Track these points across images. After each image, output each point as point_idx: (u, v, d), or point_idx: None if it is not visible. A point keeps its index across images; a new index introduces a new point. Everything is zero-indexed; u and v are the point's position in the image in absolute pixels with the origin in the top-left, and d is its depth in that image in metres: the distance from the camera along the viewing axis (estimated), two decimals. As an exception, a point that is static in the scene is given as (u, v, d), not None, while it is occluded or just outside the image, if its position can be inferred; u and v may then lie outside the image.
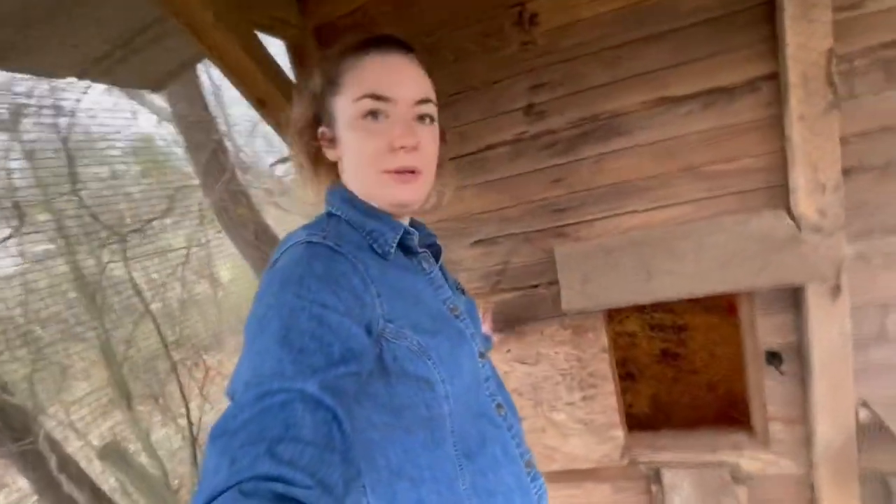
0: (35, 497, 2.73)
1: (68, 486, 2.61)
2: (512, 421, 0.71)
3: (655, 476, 1.52)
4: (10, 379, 2.79)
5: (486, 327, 1.09)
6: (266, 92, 1.19)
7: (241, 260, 3.77)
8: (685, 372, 2.54)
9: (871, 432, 1.31)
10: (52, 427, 2.93)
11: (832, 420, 1.32)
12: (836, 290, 1.22)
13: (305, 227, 0.62)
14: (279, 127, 1.30)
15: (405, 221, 0.70)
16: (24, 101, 2.97)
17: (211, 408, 3.45)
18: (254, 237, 3.08)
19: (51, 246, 2.99)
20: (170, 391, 3.22)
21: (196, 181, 3.34)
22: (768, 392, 1.38)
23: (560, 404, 1.52)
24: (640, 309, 2.48)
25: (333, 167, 0.70)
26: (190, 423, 3.01)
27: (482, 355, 0.71)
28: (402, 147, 0.60)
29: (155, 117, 3.82)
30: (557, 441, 1.55)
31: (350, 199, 0.65)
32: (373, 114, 0.60)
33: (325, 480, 0.40)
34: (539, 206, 1.42)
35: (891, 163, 1.15)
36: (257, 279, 3.18)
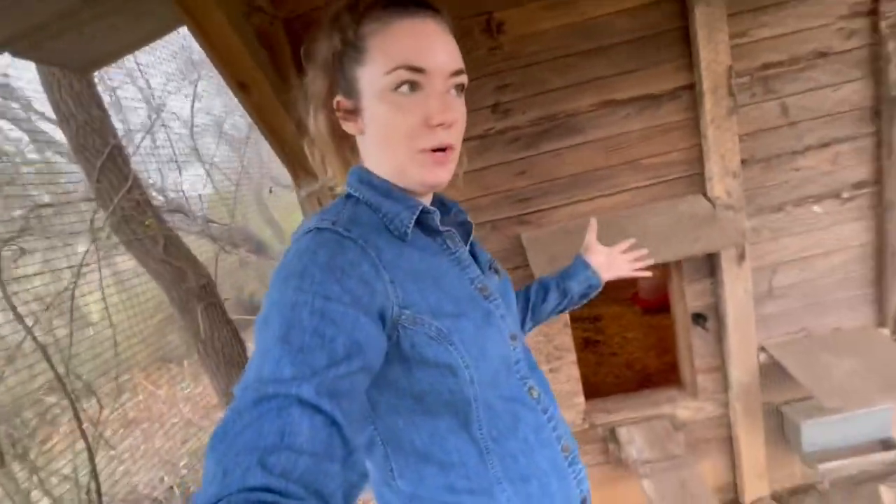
0: None
1: None
2: (547, 404, 0.68)
3: (611, 435, 1.71)
4: None
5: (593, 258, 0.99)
6: (251, 75, 1.16)
7: (138, 278, 3.33)
8: (606, 355, 2.86)
9: (767, 371, 1.65)
10: None
11: (741, 365, 1.64)
12: (741, 257, 1.53)
13: (321, 211, 0.60)
14: (258, 111, 1.27)
15: (427, 199, 0.66)
16: None
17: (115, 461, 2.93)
18: (163, 252, 2.76)
19: None
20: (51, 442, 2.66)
21: (80, 192, 2.90)
22: (695, 348, 1.66)
23: (528, 381, 1.65)
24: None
25: (350, 141, 0.66)
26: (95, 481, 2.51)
27: (514, 337, 0.67)
28: (440, 124, 0.57)
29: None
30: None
31: (367, 179, 0.62)
32: (408, 85, 0.56)
33: (322, 491, 0.39)
34: (505, 196, 1.56)
35: (771, 157, 1.51)
36: (168, 296, 2.83)
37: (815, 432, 1.63)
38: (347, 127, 0.62)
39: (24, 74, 3.20)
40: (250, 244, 4.99)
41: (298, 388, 0.42)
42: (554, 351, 1.62)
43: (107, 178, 2.71)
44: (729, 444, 1.76)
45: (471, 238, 0.72)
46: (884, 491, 1.69)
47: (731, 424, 1.72)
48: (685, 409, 1.72)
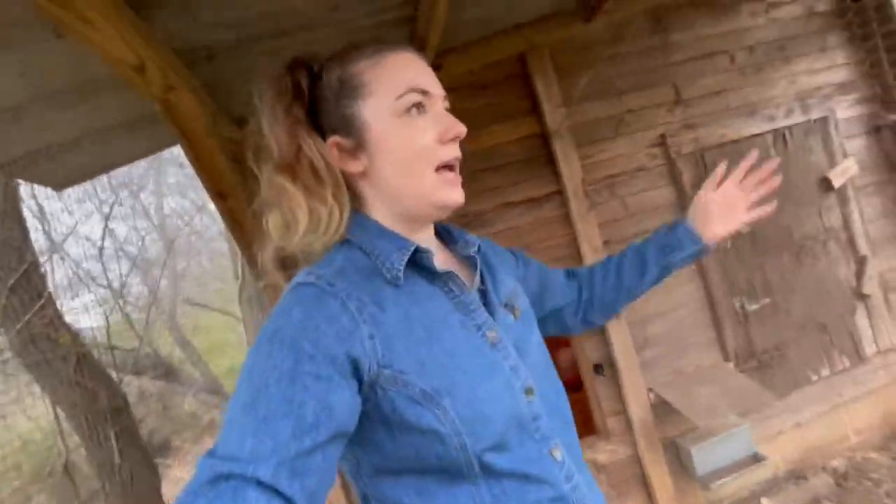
0: None
1: None
2: (572, 471, 0.60)
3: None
4: None
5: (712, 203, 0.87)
6: (230, 185, 1.44)
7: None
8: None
9: (658, 409, 2.02)
10: None
11: (636, 404, 1.99)
12: (618, 315, 1.98)
13: (316, 263, 0.58)
14: (234, 224, 1.52)
15: (425, 236, 0.64)
16: None
17: None
18: (73, 371, 2.61)
19: None
20: None
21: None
22: (600, 394, 2.00)
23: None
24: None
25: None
26: None
27: (529, 391, 0.58)
28: (455, 137, 0.60)
29: None
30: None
31: (359, 221, 0.60)
32: (418, 107, 0.58)
33: None
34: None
35: (622, 239, 2.06)
36: (75, 424, 2.57)
37: (702, 456, 1.97)
38: (351, 166, 0.60)
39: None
40: (158, 370, 4.63)
41: (255, 468, 0.41)
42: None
43: (17, 295, 2.61)
44: (643, 482, 2.03)
45: (479, 269, 0.65)
46: (765, 502, 2.04)
47: (640, 462, 2.01)
48: (602, 452, 2.00)
